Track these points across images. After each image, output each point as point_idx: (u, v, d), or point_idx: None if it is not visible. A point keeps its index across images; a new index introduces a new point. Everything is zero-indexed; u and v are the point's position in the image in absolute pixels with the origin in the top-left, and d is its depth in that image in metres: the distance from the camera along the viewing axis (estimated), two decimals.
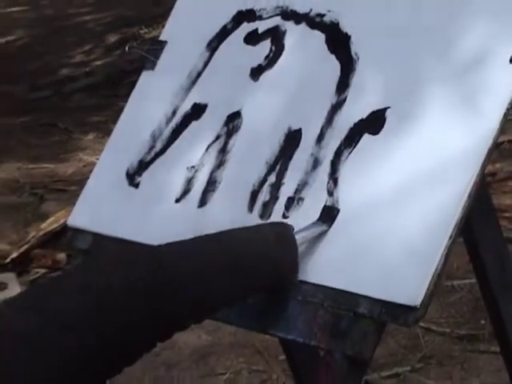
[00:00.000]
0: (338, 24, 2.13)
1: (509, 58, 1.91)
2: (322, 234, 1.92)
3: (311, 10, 2.18)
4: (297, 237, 1.89)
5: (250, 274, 1.81)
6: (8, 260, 5.72)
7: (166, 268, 1.66)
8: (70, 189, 6.18)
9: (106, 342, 1.49)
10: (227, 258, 1.78)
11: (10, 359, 1.35)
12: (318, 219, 1.93)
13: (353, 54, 2.09)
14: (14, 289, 5.03)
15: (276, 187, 2.05)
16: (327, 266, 1.91)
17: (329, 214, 1.93)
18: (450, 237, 1.81)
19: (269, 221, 2.03)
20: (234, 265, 1.77)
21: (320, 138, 2.04)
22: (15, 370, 1.35)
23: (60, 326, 1.42)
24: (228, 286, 1.76)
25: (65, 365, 1.41)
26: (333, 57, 2.11)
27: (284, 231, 1.89)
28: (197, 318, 1.73)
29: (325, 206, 1.95)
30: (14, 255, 5.76)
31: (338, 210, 1.93)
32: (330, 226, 1.92)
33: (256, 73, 2.21)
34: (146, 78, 2.41)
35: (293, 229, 1.90)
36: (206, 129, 2.23)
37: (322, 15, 2.16)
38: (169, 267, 1.66)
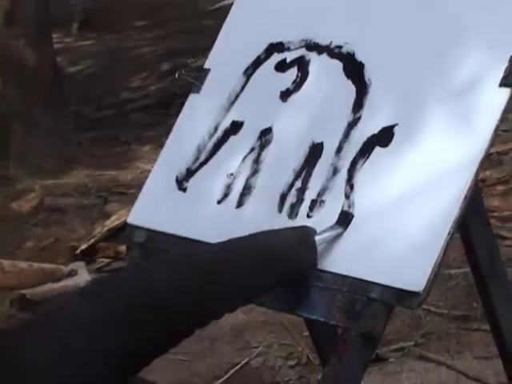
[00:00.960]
0: (353, 54, 2.12)
1: (498, 82, 1.89)
2: (339, 236, 1.92)
3: (331, 42, 2.17)
4: (316, 238, 1.89)
5: (274, 271, 1.80)
6: (78, 251, 5.74)
7: (202, 268, 1.66)
8: (129, 192, 6.18)
9: (152, 330, 1.47)
10: (255, 257, 1.78)
11: (73, 338, 1.33)
12: (336, 223, 1.93)
13: (366, 79, 2.07)
14: (83, 275, 5.04)
15: (301, 191, 2.05)
16: (344, 258, 1.91)
17: (345, 219, 1.94)
18: (449, 233, 1.80)
19: (295, 220, 2.02)
20: (261, 263, 1.77)
21: (338, 150, 2.03)
22: (76, 348, 1.33)
23: (115, 314, 1.39)
24: (255, 281, 1.76)
25: (116, 347, 1.39)
26: (349, 82, 2.10)
27: (305, 234, 1.90)
28: (229, 309, 1.70)
29: (342, 212, 1.94)
30: (83, 247, 5.77)
31: (352, 216, 1.93)
32: (345, 229, 1.92)
33: (284, 95, 2.20)
34: (192, 99, 2.41)
35: (314, 232, 1.90)
36: (243, 142, 2.22)
37: (340, 47, 2.15)
38: (206, 267, 1.66)
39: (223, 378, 4.03)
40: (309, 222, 1.99)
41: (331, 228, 1.93)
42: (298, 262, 1.86)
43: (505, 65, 1.90)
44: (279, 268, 1.81)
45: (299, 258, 1.86)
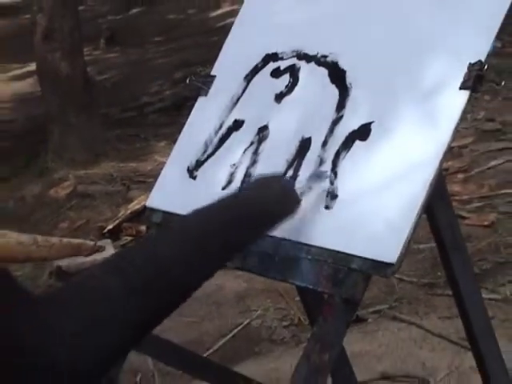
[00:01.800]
0: (337, 63, 2.11)
1: (458, 86, 1.89)
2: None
3: (318, 52, 2.17)
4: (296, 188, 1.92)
5: (262, 221, 1.78)
6: (105, 230, 5.75)
7: (195, 231, 1.63)
8: (148, 180, 6.18)
9: (164, 299, 1.45)
10: (243, 215, 1.74)
11: (98, 307, 1.32)
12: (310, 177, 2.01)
13: (348, 84, 2.06)
14: (110, 251, 5.04)
15: (293, 179, 2.04)
16: (329, 235, 1.90)
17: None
18: (418, 214, 1.80)
19: None
20: (248, 215, 1.74)
21: (324, 143, 2.02)
22: (101, 316, 1.31)
23: (132, 284, 1.38)
24: (244, 237, 1.73)
25: (136, 316, 1.37)
26: (333, 86, 2.09)
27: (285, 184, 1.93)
28: (222, 266, 1.70)
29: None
30: (110, 227, 5.78)
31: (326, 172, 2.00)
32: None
33: (279, 98, 2.20)
34: (201, 102, 2.41)
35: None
36: (243, 138, 2.22)
37: (326, 56, 2.15)
38: (200, 236, 1.62)
39: (228, 337, 4.04)
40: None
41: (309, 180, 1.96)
42: (281, 210, 1.83)
43: (464, 71, 1.89)
44: (265, 219, 1.79)
45: (283, 207, 1.84)
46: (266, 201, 1.80)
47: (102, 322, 1.31)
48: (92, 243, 1.35)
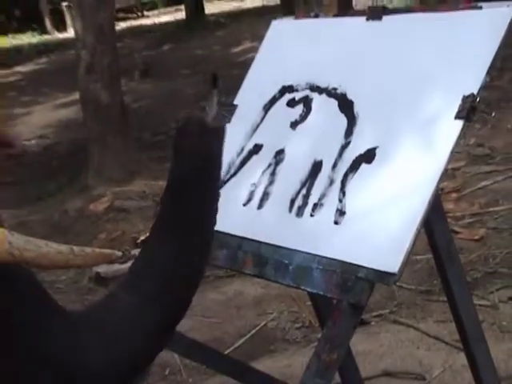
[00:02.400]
0: (345, 94, 2.12)
1: (453, 116, 1.88)
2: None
3: (329, 85, 2.17)
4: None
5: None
6: (138, 241, 5.74)
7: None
8: None
9: (175, 310, 1.43)
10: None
11: (120, 326, 1.31)
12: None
13: (355, 113, 2.07)
14: None
15: (306, 197, 2.04)
16: (338, 247, 1.91)
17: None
18: (417, 229, 1.80)
19: (301, 218, 2.03)
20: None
21: (334, 165, 2.03)
22: (122, 334, 1.31)
23: (150, 302, 1.35)
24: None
25: (151, 326, 1.35)
26: (342, 115, 2.09)
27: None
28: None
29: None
30: (142, 238, 5.77)
31: None
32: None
33: (294, 125, 2.20)
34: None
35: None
36: (262, 160, 2.22)
37: (336, 89, 2.15)
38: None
39: (246, 336, 4.03)
40: (311, 220, 2.00)
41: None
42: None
43: (459, 103, 1.89)
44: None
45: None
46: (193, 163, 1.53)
47: (124, 337, 1.30)
48: (120, 253, 1.36)
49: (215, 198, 1.54)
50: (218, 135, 1.52)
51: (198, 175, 1.49)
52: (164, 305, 1.38)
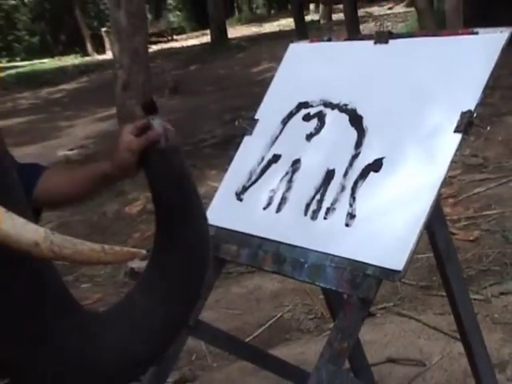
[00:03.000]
0: (355, 110, 2.11)
1: (452, 130, 1.88)
2: None
3: (340, 101, 2.17)
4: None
5: None
6: None
7: None
8: (203, 201, 6.18)
9: (181, 311, 1.42)
10: None
11: (132, 324, 1.30)
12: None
13: (364, 127, 2.06)
14: None
15: (320, 202, 2.04)
16: (349, 247, 1.91)
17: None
18: (420, 230, 1.80)
19: (316, 221, 2.02)
20: None
21: (345, 174, 2.02)
22: (135, 332, 1.30)
23: (160, 304, 1.35)
24: None
25: (160, 328, 1.35)
26: (353, 128, 2.09)
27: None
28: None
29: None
30: None
31: None
32: None
33: (309, 137, 2.20)
34: (246, 140, 2.42)
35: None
36: (280, 168, 2.22)
37: (347, 105, 2.14)
38: None
39: (265, 326, 4.02)
40: (325, 223, 2.00)
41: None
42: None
43: (457, 118, 1.89)
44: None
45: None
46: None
47: (136, 334, 1.29)
48: (144, 252, 1.36)
49: (197, 198, 1.58)
50: (175, 150, 1.58)
51: (174, 186, 1.54)
52: (172, 306, 1.38)
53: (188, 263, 1.45)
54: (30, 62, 28.89)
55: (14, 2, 36.36)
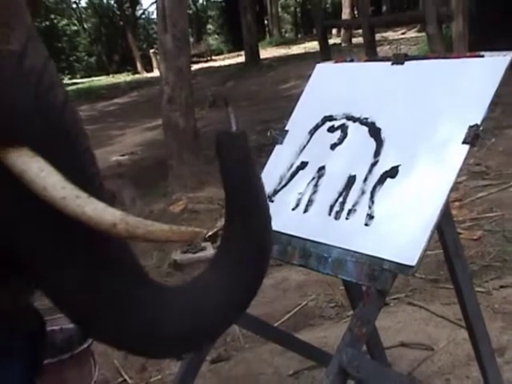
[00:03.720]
0: (374, 123, 2.10)
1: (461, 141, 1.87)
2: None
3: (361, 115, 2.16)
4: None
5: None
6: (207, 236, 5.76)
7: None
8: None
9: (246, 289, 1.38)
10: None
11: (200, 300, 1.27)
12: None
13: (382, 138, 2.05)
14: (210, 250, 5.07)
15: (342, 204, 2.02)
16: (368, 244, 1.89)
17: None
18: (432, 230, 1.79)
19: (339, 221, 2.01)
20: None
21: (365, 179, 2.01)
22: (206, 305, 1.26)
23: (226, 282, 1.31)
24: None
25: (224, 306, 1.31)
26: (372, 139, 2.08)
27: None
28: None
29: None
30: (210, 233, 5.78)
31: None
32: None
33: (333, 147, 2.19)
34: (277, 148, 2.41)
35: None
36: (307, 174, 2.21)
37: (367, 118, 2.13)
38: None
39: (291, 313, 4.02)
40: (346, 223, 1.98)
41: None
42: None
43: (466, 131, 1.87)
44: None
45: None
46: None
47: (202, 310, 1.28)
48: (205, 231, 1.33)
49: (261, 183, 1.47)
50: (242, 136, 1.48)
51: (241, 166, 1.42)
52: (237, 284, 1.34)
53: (252, 249, 1.40)
54: (88, 79, 29.24)
55: (75, 28, 36.89)
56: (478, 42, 9.72)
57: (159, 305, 1.20)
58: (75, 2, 37.54)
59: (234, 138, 1.48)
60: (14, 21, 0.96)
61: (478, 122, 1.88)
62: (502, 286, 3.95)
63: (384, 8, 28.39)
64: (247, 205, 1.40)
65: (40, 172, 0.96)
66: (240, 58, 22.36)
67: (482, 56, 1.99)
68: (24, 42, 0.97)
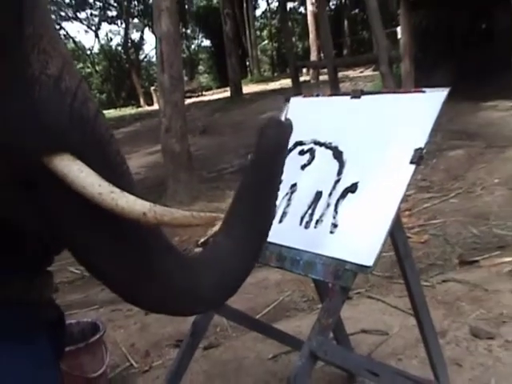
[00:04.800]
0: (337, 147, 2.10)
1: (409, 162, 1.87)
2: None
3: (326, 141, 2.16)
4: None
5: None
6: (199, 243, 5.70)
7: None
8: (223, 214, 6.19)
9: (256, 249, 1.40)
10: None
11: (226, 263, 1.29)
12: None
13: (344, 159, 2.05)
14: None
15: (311, 215, 2.01)
16: (333, 248, 1.88)
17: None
18: (386, 236, 1.79)
19: (308, 229, 2.00)
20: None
21: (330, 194, 2.00)
22: (223, 267, 1.28)
23: (239, 244, 1.33)
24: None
25: (241, 263, 1.34)
26: (335, 161, 2.07)
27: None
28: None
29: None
30: (202, 240, 5.72)
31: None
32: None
33: (303, 167, 2.18)
34: None
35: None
36: (282, 190, 2.16)
37: (331, 143, 2.13)
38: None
39: (271, 306, 4.00)
40: (315, 231, 1.97)
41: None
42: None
43: (412, 153, 1.88)
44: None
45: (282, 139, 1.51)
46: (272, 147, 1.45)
47: (224, 269, 1.28)
48: (222, 215, 1.29)
49: (282, 171, 1.47)
50: (289, 127, 1.52)
51: (276, 151, 1.45)
52: (248, 245, 1.36)
53: (263, 210, 1.41)
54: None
55: (89, 70, 36.84)
56: (422, 79, 9.87)
57: (191, 273, 1.20)
58: (89, 49, 37.53)
59: (282, 124, 1.50)
60: (52, 50, 0.97)
61: (422, 146, 1.88)
62: (443, 281, 3.97)
63: (345, 51, 28.59)
64: (267, 182, 1.42)
65: (80, 173, 0.97)
66: (226, 93, 22.35)
67: (425, 91, 2.00)
68: (60, 67, 0.98)
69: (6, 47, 0.91)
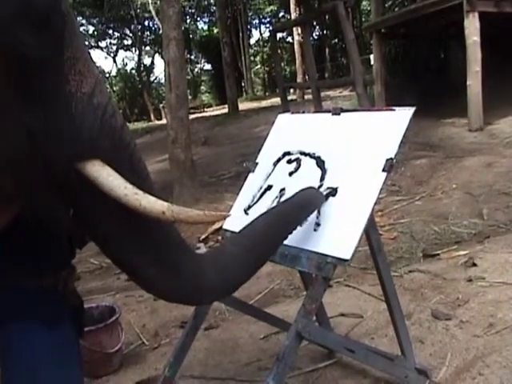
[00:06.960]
0: (320, 157, 2.10)
1: (381, 170, 1.87)
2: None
3: (310, 151, 2.15)
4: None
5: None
6: (200, 239, 5.71)
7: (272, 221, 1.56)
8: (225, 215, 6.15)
9: (261, 259, 1.44)
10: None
11: (230, 265, 1.30)
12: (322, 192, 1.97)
13: (326, 167, 2.05)
14: (203, 249, 5.02)
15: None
16: (316, 244, 1.87)
17: (328, 195, 1.96)
18: (361, 233, 1.79)
19: None
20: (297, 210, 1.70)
21: None
22: (229, 269, 1.29)
23: (246, 252, 1.34)
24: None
25: (245, 268, 1.35)
26: (318, 169, 2.07)
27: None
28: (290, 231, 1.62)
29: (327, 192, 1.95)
30: (203, 237, 5.74)
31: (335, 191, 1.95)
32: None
33: (290, 174, 2.18)
34: (250, 175, 2.39)
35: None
36: (272, 194, 2.19)
37: (314, 153, 2.13)
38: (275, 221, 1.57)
39: (261, 294, 3.99)
40: (301, 229, 1.92)
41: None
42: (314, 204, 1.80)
43: (384, 162, 1.88)
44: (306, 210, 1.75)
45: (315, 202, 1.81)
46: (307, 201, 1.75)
47: (229, 270, 1.28)
48: (230, 214, 1.30)
49: (301, 223, 1.76)
50: (321, 197, 1.80)
51: (305, 204, 1.69)
52: (255, 255, 1.37)
53: (275, 234, 1.49)
54: None
55: (108, 90, 36.82)
56: (391, 100, 9.92)
57: (200, 267, 1.21)
58: (108, 73, 37.52)
59: (321, 194, 1.83)
60: (86, 71, 0.97)
61: (393, 156, 1.89)
62: (410, 271, 3.97)
63: (326, 75, 28.68)
64: (292, 221, 1.59)
65: (108, 177, 0.97)
66: (224, 110, 22.33)
67: (394, 110, 2.01)
68: (93, 85, 0.98)
69: (50, 67, 0.92)
